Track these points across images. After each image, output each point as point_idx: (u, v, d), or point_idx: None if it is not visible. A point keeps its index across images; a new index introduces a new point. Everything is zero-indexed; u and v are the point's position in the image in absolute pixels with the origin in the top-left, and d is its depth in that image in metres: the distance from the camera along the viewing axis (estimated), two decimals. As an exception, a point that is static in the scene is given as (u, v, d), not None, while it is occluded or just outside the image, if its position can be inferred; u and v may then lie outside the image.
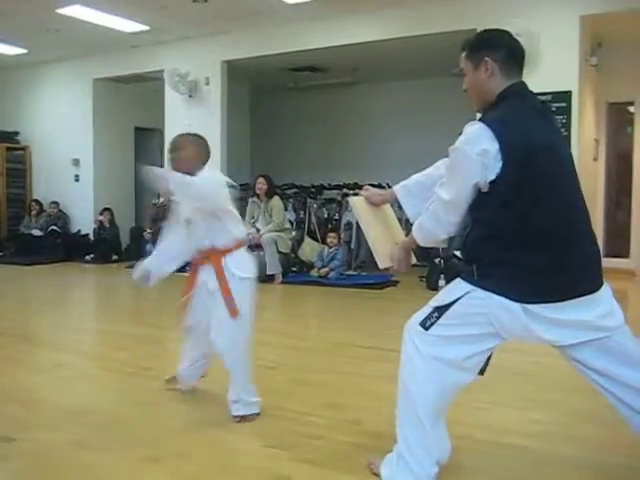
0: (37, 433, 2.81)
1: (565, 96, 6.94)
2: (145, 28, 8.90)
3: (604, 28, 7.42)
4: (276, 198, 8.13)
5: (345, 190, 9.17)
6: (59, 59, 10.68)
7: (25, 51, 10.15)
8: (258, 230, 7.95)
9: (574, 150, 6.94)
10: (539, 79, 7.02)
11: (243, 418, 2.98)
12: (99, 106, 10.68)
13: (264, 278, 7.69)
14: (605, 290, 2.18)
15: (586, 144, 7.65)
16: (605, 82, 8.16)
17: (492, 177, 2.04)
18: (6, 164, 11.23)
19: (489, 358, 2.30)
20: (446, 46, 8.21)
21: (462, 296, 2.17)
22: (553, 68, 6.97)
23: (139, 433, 2.84)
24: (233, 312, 2.95)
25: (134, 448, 2.66)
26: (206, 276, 3.12)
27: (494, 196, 2.06)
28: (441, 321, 2.20)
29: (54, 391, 3.50)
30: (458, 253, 7.02)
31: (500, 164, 2.02)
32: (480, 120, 2.11)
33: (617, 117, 8.92)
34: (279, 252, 7.79)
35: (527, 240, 2.07)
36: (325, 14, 7.99)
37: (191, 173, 3.04)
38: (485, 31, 2.34)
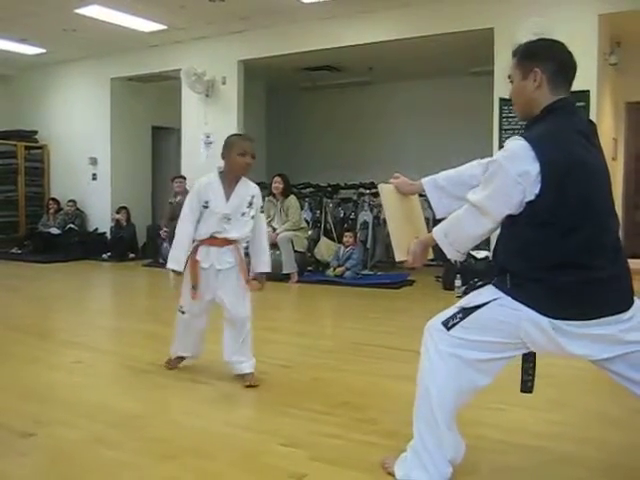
0: (55, 429, 2.84)
1: (583, 95, 6.89)
2: (163, 28, 8.95)
3: (623, 27, 7.36)
4: (292, 197, 8.14)
5: (361, 190, 9.17)
6: (77, 59, 10.77)
7: (44, 51, 10.24)
8: (274, 229, 7.97)
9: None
10: (557, 78, 7.03)
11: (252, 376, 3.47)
12: (116, 105, 10.75)
13: (280, 277, 7.72)
14: (635, 305, 2.13)
15: (605, 143, 7.51)
16: (624, 81, 8.10)
17: (530, 198, 2.01)
18: (25, 163, 11.33)
19: (533, 371, 2.31)
20: (462, 45, 8.25)
21: (490, 301, 2.14)
22: (571, 67, 6.94)
23: (156, 430, 2.86)
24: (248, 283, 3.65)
25: (151, 445, 2.68)
26: (214, 257, 3.55)
27: (529, 215, 2.04)
28: (464, 323, 2.18)
29: (72, 388, 3.53)
30: (474, 253, 7.01)
31: (539, 186, 1.99)
32: (523, 136, 2.06)
33: (636, 116, 8.85)
34: (295, 251, 7.81)
35: (558, 262, 2.04)
36: (341, 13, 8.00)
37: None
38: (540, 40, 2.31)
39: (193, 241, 3.60)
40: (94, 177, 11.02)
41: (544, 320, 2.05)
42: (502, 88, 7.34)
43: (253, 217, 3.64)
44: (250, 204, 3.64)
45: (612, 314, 2.08)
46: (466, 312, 2.18)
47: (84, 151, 10.98)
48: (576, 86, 7.27)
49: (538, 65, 2.14)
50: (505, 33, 7.16)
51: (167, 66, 9.93)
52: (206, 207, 3.57)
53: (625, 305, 2.12)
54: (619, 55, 7.61)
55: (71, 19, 8.41)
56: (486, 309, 2.14)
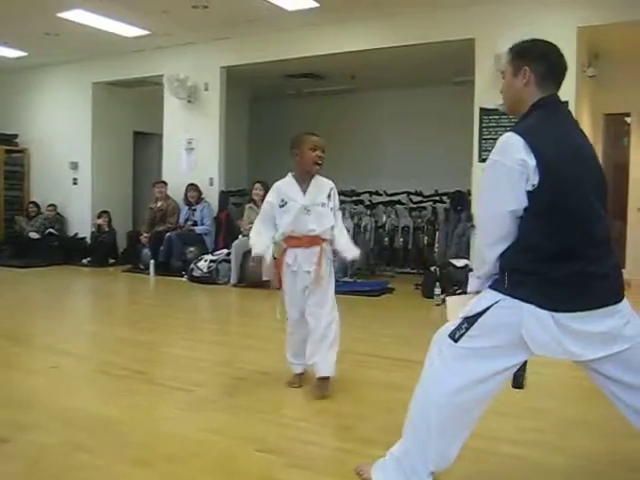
0: (31, 435, 2.82)
1: (562, 106, 6.97)
2: (146, 33, 8.93)
3: (601, 40, 7.46)
4: (273, 204, 8.14)
5: (342, 197, 9.15)
6: (59, 62, 10.70)
7: (25, 54, 10.16)
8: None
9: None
10: (536, 89, 7.11)
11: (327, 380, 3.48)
12: (98, 110, 10.69)
13: (260, 284, 7.71)
14: (625, 301, 2.20)
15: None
16: (602, 93, 8.20)
17: (529, 188, 2.05)
18: (4, 166, 11.20)
19: (525, 366, 2.30)
20: (444, 55, 8.31)
21: (491, 305, 2.15)
22: (550, 79, 7.02)
23: (132, 436, 2.85)
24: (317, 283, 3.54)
25: (126, 451, 2.67)
26: (301, 259, 3.59)
27: (526, 208, 2.07)
28: (470, 332, 2.18)
29: (48, 393, 3.51)
30: (454, 261, 7.06)
31: (537, 176, 2.04)
32: (512, 130, 2.13)
33: (613, 128, 8.97)
34: (274, 258, 7.79)
35: (557, 252, 2.08)
36: (324, 21, 8.03)
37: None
38: (533, 40, 2.35)
39: (277, 244, 3.69)
40: (75, 182, 10.95)
41: (545, 314, 2.07)
42: (483, 98, 7.42)
43: (332, 209, 3.63)
44: (329, 196, 3.63)
45: (609, 304, 2.12)
46: (470, 321, 2.18)
47: (65, 155, 10.90)
48: (555, 97, 7.26)
49: (528, 64, 2.23)
50: (486, 43, 7.23)
51: (150, 71, 9.91)
52: (284, 204, 3.62)
53: (619, 296, 2.18)
54: (597, 67, 7.71)
55: (54, 23, 8.36)
56: (489, 314, 2.15)
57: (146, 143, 11.66)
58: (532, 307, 2.08)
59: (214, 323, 6.16)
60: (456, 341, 2.20)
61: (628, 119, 8.70)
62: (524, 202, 2.07)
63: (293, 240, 3.59)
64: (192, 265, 8.33)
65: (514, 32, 6.80)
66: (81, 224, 10.72)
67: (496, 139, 7.15)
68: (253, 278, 7.86)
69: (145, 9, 7.90)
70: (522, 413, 3.25)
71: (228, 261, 8.13)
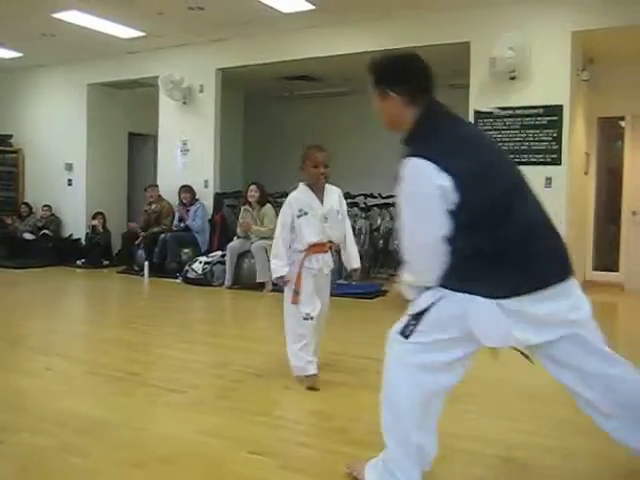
0: (24, 437, 2.81)
1: (556, 110, 7.01)
2: (141, 34, 8.92)
3: (596, 44, 7.49)
4: (268, 206, 8.16)
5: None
6: (54, 63, 10.69)
7: (20, 55, 10.15)
8: (250, 238, 7.98)
9: (565, 163, 7.02)
10: (531, 93, 7.13)
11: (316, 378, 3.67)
12: (93, 111, 10.68)
13: (254, 286, 7.72)
14: (573, 283, 2.21)
15: (577, 158, 7.71)
16: (596, 97, 8.23)
17: (451, 208, 2.04)
18: (-2, 167, 11.22)
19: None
20: (439, 58, 8.29)
21: (437, 301, 2.15)
22: (545, 82, 7.05)
23: (125, 438, 2.85)
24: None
25: (120, 453, 2.67)
26: (322, 263, 3.78)
27: (453, 225, 2.07)
28: (419, 328, 2.19)
29: (42, 395, 3.50)
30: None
31: (456, 194, 2.02)
32: (415, 155, 2.08)
33: (608, 132, 9.00)
34: (269, 260, 7.78)
35: (496, 251, 2.09)
36: (320, 24, 8.05)
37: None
38: (386, 59, 2.29)
39: (297, 250, 3.80)
40: (69, 183, 10.93)
41: (489, 303, 2.07)
42: (478, 101, 7.44)
43: (342, 215, 3.92)
44: (339, 203, 3.90)
45: (554, 284, 2.13)
46: (418, 317, 2.19)
47: (60, 156, 10.88)
48: (549, 101, 7.45)
49: (392, 89, 2.20)
50: (481, 47, 7.26)
51: (145, 73, 9.90)
52: (303, 215, 3.77)
53: (564, 275, 2.18)
54: (592, 71, 7.73)
55: (49, 24, 8.35)
56: (434, 310, 2.16)
57: (141, 144, 11.65)
58: (476, 298, 2.08)
59: (208, 325, 6.16)
60: (407, 338, 2.21)
61: (622, 123, 8.72)
62: (447, 222, 2.06)
63: (316, 247, 3.76)
64: (187, 267, 8.33)
65: (509, 36, 6.88)
66: (76, 225, 10.71)
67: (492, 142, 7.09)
68: (247, 280, 7.87)
69: (141, 10, 7.90)
70: (515, 416, 3.26)
71: (223, 263, 8.12)
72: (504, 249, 2.10)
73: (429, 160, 2.03)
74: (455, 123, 2.27)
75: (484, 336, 2.13)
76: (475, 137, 2.29)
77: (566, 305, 2.17)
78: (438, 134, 2.16)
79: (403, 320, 2.25)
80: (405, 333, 2.21)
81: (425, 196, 2.07)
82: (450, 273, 2.13)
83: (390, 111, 2.24)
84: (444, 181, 2.02)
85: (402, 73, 2.24)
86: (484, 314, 2.09)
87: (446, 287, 2.14)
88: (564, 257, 2.23)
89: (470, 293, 2.10)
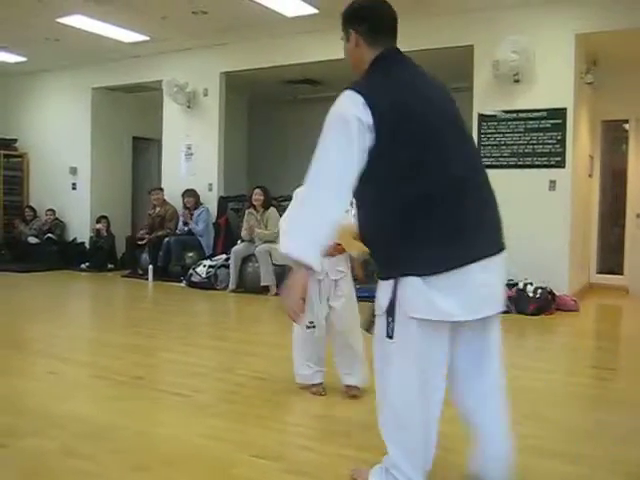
0: (28, 440, 2.82)
1: (560, 113, 7.00)
2: (145, 38, 8.95)
3: (599, 47, 7.48)
4: (272, 209, 8.16)
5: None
6: (59, 68, 10.73)
7: (25, 59, 10.19)
8: (254, 241, 7.98)
9: (569, 166, 7.00)
10: (535, 96, 7.12)
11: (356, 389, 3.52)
12: (97, 115, 10.71)
13: (259, 289, 7.72)
14: (504, 257, 2.22)
15: (581, 160, 7.70)
16: (600, 100, 8.23)
17: (369, 144, 2.03)
18: (3, 171, 11.22)
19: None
20: (443, 62, 8.31)
21: (393, 294, 2.12)
22: (549, 85, 7.05)
23: (129, 441, 2.85)
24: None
25: (124, 456, 2.67)
26: (328, 267, 3.47)
27: (372, 173, 2.05)
28: (398, 319, 2.13)
29: (46, 399, 3.50)
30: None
31: (373, 135, 2.02)
32: (349, 87, 2.11)
33: (612, 134, 8.99)
34: (273, 264, 7.81)
35: (417, 210, 2.04)
36: (324, 28, 8.03)
37: None
38: (355, 3, 2.36)
39: None
40: (74, 187, 10.96)
41: (420, 281, 2.05)
42: (481, 104, 7.43)
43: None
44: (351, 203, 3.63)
45: (485, 256, 2.12)
46: (389, 312, 2.14)
47: (64, 160, 10.91)
48: (553, 104, 7.42)
49: (353, 27, 2.28)
50: (484, 50, 7.26)
51: (149, 77, 9.93)
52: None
53: (496, 247, 2.20)
54: (595, 74, 7.72)
55: (53, 28, 8.38)
56: (398, 302, 2.12)
57: (145, 148, 11.68)
58: (413, 278, 2.05)
59: (212, 328, 6.16)
60: (392, 337, 2.15)
61: (626, 126, 8.72)
62: (363, 160, 2.04)
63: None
64: (191, 270, 8.33)
65: (512, 39, 6.88)
66: (80, 229, 10.73)
67: (495, 145, 7.23)
68: (251, 284, 7.87)
69: (145, 15, 7.92)
70: (517, 419, 3.23)
71: (227, 266, 8.13)
72: (432, 209, 2.04)
73: (359, 94, 2.06)
74: (407, 69, 2.29)
75: (410, 307, 2.09)
76: (422, 84, 2.27)
77: (497, 280, 2.18)
78: (383, 76, 2.18)
79: (380, 323, 2.20)
80: (389, 333, 2.15)
81: (343, 122, 2.04)
82: (384, 259, 2.15)
83: (353, 52, 2.30)
84: (365, 116, 2.01)
85: (365, 12, 2.31)
86: (417, 292, 2.06)
87: (390, 277, 2.12)
88: (498, 230, 2.23)
89: (405, 275, 2.07)
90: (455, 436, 2.54)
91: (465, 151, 2.18)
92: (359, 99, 2.04)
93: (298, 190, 2.57)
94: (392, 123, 2.03)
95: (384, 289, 2.17)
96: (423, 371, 2.17)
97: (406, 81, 2.20)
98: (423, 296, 2.05)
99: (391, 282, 2.13)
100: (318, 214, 2.07)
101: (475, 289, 2.09)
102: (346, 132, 2.03)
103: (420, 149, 2.05)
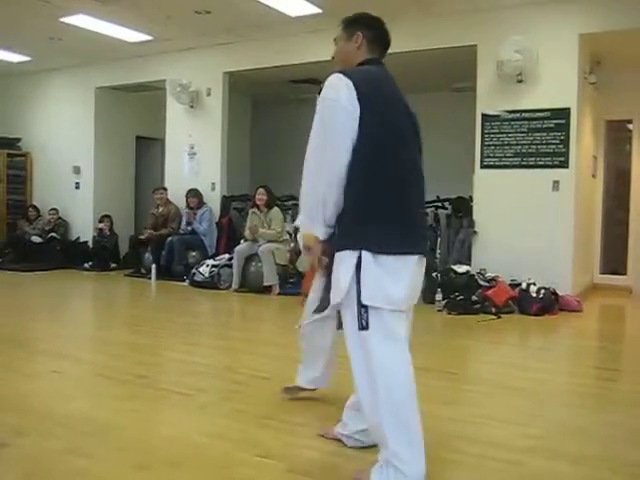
0: (31, 439, 2.82)
1: (564, 113, 6.99)
2: (148, 38, 8.96)
3: (603, 46, 7.47)
4: (276, 209, 8.17)
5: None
6: (62, 67, 10.75)
7: (29, 59, 10.21)
8: (257, 241, 7.98)
9: (573, 166, 6.99)
10: (539, 96, 7.12)
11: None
12: (101, 114, 10.72)
13: (261, 289, 7.73)
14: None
15: (585, 161, 7.69)
16: (604, 100, 8.22)
17: (354, 133, 2.25)
18: (7, 170, 11.26)
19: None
20: (446, 62, 8.32)
21: (354, 273, 2.24)
22: (552, 85, 7.04)
23: (132, 440, 2.85)
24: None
25: (127, 455, 2.67)
26: None
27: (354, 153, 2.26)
28: (369, 310, 2.24)
29: (49, 398, 3.51)
30: (456, 267, 7.05)
31: (358, 110, 2.25)
32: (337, 71, 2.36)
33: (615, 135, 8.98)
34: (277, 263, 7.81)
35: (379, 192, 2.27)
36: (327, 27, 8.00)
37: None
38: (364, 13, 2.64)
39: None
40: (77, 186, 10.97)
41: (369, 256, 2.23)
42: (484, 104, 7.43)
43: None
44: None
45: (421, 253, 2.37)
46: (359, 303, 2.24)
47: (67, 160, 10.93)
48: (557, 104, 7.40)
49: (361, 30, 2.55)
50: (488, 50, 7.25)
51: (152, 76, 9.94)
52: None
53: (425, 249, 2.43)
54: (599, 74, 7.71)
55: (57, 28, 8.40)
56: (361, 281, 2.24)
57: (148, 148, 11.68)
58: (365, 253, 2.23)
59: (215, 328, 6.16)
60: (368, 328, 2.24)
61: (630, 126, 8.71)
62: (354, 141, 2.25)
63: None
64: (194, 270, 8.34)
65: (516, 39, 6.87)
66: (83, 228, 10.75)
67: (498, 145, 7.21)
68: (254, 283, 7.88)
69: (148, 14, 7.93)
70: (521, 419, 3.25)
71: (230, 266, 8.13)
72: (391, 195, 2.29)
73: (348, 78, 2.30)
74: (387, 74, 2.55)
75: (366, 293, 2.22)
76: (396, 90, 2.53)
77: (421, 278, 2.40)
78: (368, 71, 2.46)
79: (351, 317, 2.28)
80: (363, 325, 2.25)
81: (341, 106, 2.26)
82: (345, 228, 2.28)
83: (351, 51, 2.54)
84: (353, 102, 2.25)
85: (375, 23, 2.61)
86: (368, 268, 2.22)
87: (347, 247, 2.26)
88: (425, 233, 2.53)
89: (364, 250, 2.23)
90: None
91: (416, 159, 2.45)
92: (349, 82, 2.28)
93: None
94: (372, 103, 2.29)
95: (344, 268, 2.26)
96: (401, 351, 2.29)
97: (382, 79, 2.49)
98: (380, 283, 2.23)
99: (352, 261, 2.24)
100: (327, 198, 2.29)
101: (412, 279, 2.33)
102: (345, 115, 2.26)
103: (387, 136, 2.31)
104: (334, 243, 2.32)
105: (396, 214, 2.29)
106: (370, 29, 2.55)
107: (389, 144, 2.30)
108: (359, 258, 2.23)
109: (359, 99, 2.24)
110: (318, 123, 2.32)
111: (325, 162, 2.28)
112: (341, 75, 2.31)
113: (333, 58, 2.63)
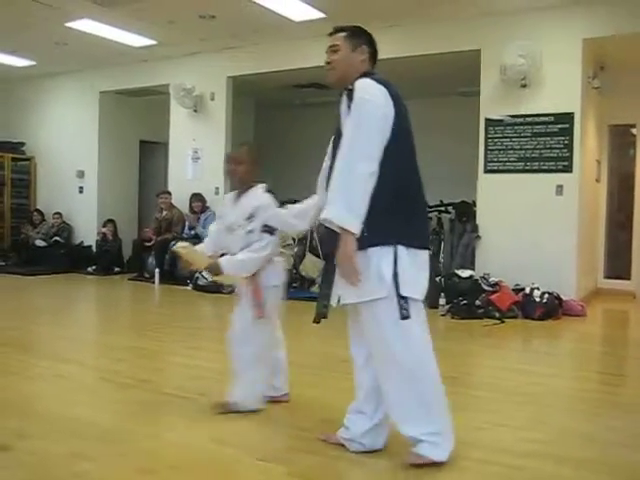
0: (34, 443, 2.82)
1: (568, 117, 6.99)
2: (152, 43, 8.98)
3: (607, 51, 7.47)
4: (279, 213, 8.15)
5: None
6: (66, 72, 10.78)
7: (33, 63, 10.24)
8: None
9: (576, 171, 6.99)
10: (542, 100, 7.12)
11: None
12: (105, 119, 10.75)
13: (265, 293, 7.71)
14: None
15: (588, 165, 7.68)
16: (607, 104, 8.21)
17: (390, 126, 2.42)
18: (11, 174, 11.29)
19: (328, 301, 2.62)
20: (450, 66, 8.33)
21: (394, 267, 2.41)
22: (556, 90, 7.04)
23: (135, 445, 2.85)
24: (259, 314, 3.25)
25: (130, 459, 2.67)
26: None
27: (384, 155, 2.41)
28: (410, 302, 2.43)
29: (53, 401, 3.51)
30: (459, 272, 7.05)
31: (392, 114, 2.42)
32: (374, 79, 2.48)
33: (619, 139, 8.97)
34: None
35: (406, 187, 2.47)
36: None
37: (245, 187, 3.39)
38: (363, 28, 2.74)
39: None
40: (81, 190, 11.00)
41: (403, 250, 2.43)
42: (488, 109, 7.43)
43: (251, 232, 3.24)
44: (250, 216, 3.26)
45: (429, 248, 2.64)
46: (398, 295, 2.40)
47: (71, 164, 10.96)
48: (560, 108, 7.39)
49: (366, 44, 2.67)
50: (491, 54, 7.26)
51: (156, 81, 9.96)
52: (218, 218, 3.56)
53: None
54: (603, 79, 7.71)
55: (62, 32, 8.43)
56: (401, 275, 2.42)
57: (152, 152, 11.70)
58: (399, 247, 2.42)
59: (219, 332, 6.12)
60: (409, 317, 2.42)
61: (634, 130, 8.70)
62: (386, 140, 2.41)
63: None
64: (197, 274, 8.34)
65: (520, 43, 6.88)
66: (87, 232, 10.77)
67: (502, 150, 7.22)
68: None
69: (152, 19, 7.96)
70: (523, 424, 3.24)
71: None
72: (414, 195, 2.51)
73: (381, 84, 2.45)
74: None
75: (404, 285, 2.41)
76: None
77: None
78: (384, 79, 2.54)
79: (383, 309, 2.42)
80: (405, 315, 2.41)
81: (380, 107, 2.40)
82: (376, 224, 2.39)
83: (351, 62, 2.62)
84: (389, 104, 2.42)
85: (373, 40, 2.73)
86: (405, 262, 2.42)
87: (377, 244, 2.41)
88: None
89: (400, 244, 2.42)
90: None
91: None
92: (382, 88, 2.44)
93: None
94: (400, 113, 2.46)
95: (385, 261, 2.41)
96: (430, 339, 2.55)
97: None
98: (414, 276, 2.45)
99: (391, 256, 2.41)
100: (367, 187, 2.38)
101: (426, 273, 2.54)
102: (382, 116, 2.41)
103: (409, 146, 2.53)
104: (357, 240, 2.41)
105: (420, 211, 2.56)
106: (372, 46, 2.69)
107: (412, 146, 2.52)
108: (395, 252, 2.40)
109: (392, 103, 2.42)
110: (356, 120, 2.40)
111: (363, 157, 2.36)
112: (374, 81, 2.45)
113: (329, 64, 2.66)
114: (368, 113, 2.38)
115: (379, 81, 2.47)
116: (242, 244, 3.23)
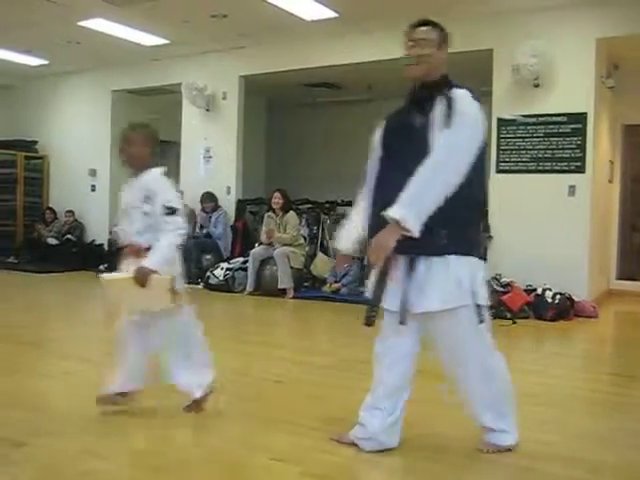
0: (46, 439, 2.84)
1: (581, 117, 6.95)
2: (165, 42, 9.01)
3: (620, 51, 7.43)
4: (292, 213, 8.17)
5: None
6: (79, 70, 10.83)
7: (46, 62, 10.30)
8: (273, 244, 7.99)
9: (589, 171, 6.95)
10: (555, 100, 7.08)
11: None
12: (117, 117, 10.77)
13: (276, 292, 7.73)
14: None
15: (601, 166, 7.64)
16: (621, 104, 8.16)
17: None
18: (24, 173, 11.35)
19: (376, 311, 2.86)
20: (462, 66, 8.26)
21: (472, 276, 2.53)
22: (569, 90, 7.00)
23: (146, 442, 2.87)
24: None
25: (141, 457, 2.69)
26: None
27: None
28: (485, 308, 2.59)
29: (64, 398, 3.53)
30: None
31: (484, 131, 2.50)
32: (476, 99, 2.51)
33: (632, 139, 8.90)
34: (291, 267, 7.82)
35: (478, 201, 2.61)
36: (342, 32, 8.06)
37: (140, 169, 3.25)
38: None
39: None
40: (93, 188, 11.04)
41: (476, 260, 2.58)
42: (500, 109, 7.40)
43: (147, 214, 3.11)
44: (146, 198, 3.13)
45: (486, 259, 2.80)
46: (477, 304, 2.53)
47: (84, 162, 11.01)
48: (573, 108, 7.35)
49: (447, 46, 2.71)
50: (504, 54, 7.23)
51: (168, 80, 9.99)
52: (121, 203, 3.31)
53: None
54: (616, 78, 7.67)
55: (75, 31, 8.47)
56: (476, 283, 2.55)
57: (164, 151, 11.66)
58: (474, 259, 2.56)
59: (229, 331, 6.17)
60: (484, 321, 2.58)
61: (647, 130, 8.64)
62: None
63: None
64: (208, 273, 8.36)
65: (532, 43, 6.85)
66: (99, 230, 10.81)
67: (514, 150, 7.18)
68: (269, 286, 7.89)
69: (165, 18, 7.98)
70: (534, 426, 3.22)
71: (244, 269, 8.15)
72: (482, 208, 2.68)
73: (477, 101, 2.51)
74: None
75: (481, 293, 2.56)
76: None
77: None
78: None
79: (464, 315, 2.53)
80: (482, 319, 2.57)
81: (479, 135, 2.46)
82: (457, 234, 2.49)
83: (439, 60, 2.62)
84: (484, 122, 2.50)
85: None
86: (480, 272, 2.58)
87: (455, 253, 2.49)
88: None
89: (474, 255, 2.56)
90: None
91: None
92: (482, 112, 2.50)
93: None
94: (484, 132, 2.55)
95: (463, 271, 2.51)
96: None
97: None
98: (483, 282, 2.59)
99: (469, 266, 2.53)
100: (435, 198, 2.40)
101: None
102: (475, 139, 2.45)
103: (483, 161, 2.57)
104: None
105: (481, 223, 2.67)
106: (447, 45, 2.72)
107: (485, 161, 2.61)
108: (471, 262, 2.54)
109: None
110: (459, 136, 2.41)
111: (454, 173, 2.40)
112: (473, 99, 2.50)
113: (417, 57, 2.57)
114: (473, 134, 2.44)
115: (476, 98, 2.51)
116: (139, 226, 3.14)
